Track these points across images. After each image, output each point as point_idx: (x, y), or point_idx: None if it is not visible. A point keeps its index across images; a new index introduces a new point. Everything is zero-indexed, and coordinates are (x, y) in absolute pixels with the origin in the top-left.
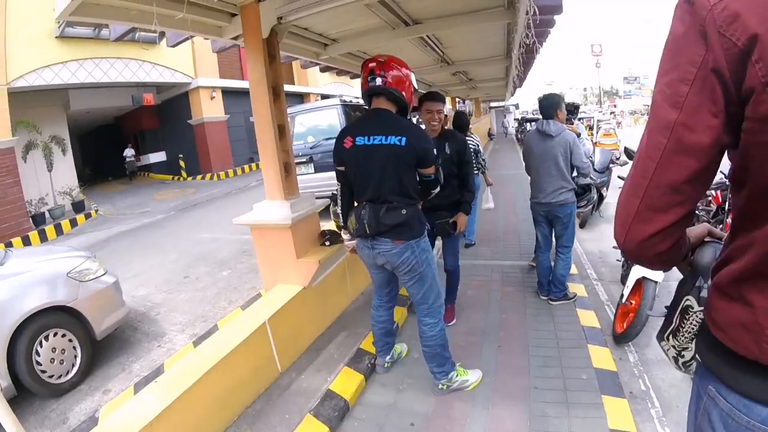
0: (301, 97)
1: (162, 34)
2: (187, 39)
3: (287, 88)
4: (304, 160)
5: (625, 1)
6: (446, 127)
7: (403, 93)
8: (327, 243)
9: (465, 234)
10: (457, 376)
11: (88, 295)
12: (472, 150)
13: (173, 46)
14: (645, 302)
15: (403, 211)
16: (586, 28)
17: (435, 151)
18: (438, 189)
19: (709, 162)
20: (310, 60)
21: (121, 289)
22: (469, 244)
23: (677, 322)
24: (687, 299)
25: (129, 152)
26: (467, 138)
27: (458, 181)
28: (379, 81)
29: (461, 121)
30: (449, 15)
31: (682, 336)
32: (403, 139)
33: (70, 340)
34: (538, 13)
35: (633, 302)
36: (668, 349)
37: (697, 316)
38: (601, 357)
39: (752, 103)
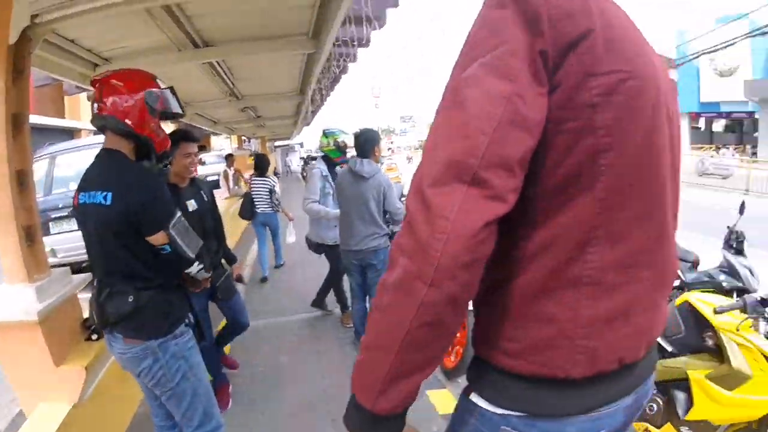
0: (70, 134)
1: None
2: None
3: (54, 122)
4: (67, 213)
5: (403, 55)
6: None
7: (128, 121)
8: (94, 337)
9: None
10: None
11: None
12: (268, 190)
13: None
14: (471, 332)
15: (130, 298)
16: (366, 75)
17: (171, 207)
18: (196, 267)
19: (535, 143)
20: (76, 84)
21: None
22: (279, 265)
23: None
24: None
25: None
26: (265, 178)
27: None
28: (95, 108)
29: (263, 163)
30: (246, 39)
31: None
32: (108, 195)
33: None
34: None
35: (458, 333)
36: None
37: None
38: (444, 401)
39: (568, 90)
